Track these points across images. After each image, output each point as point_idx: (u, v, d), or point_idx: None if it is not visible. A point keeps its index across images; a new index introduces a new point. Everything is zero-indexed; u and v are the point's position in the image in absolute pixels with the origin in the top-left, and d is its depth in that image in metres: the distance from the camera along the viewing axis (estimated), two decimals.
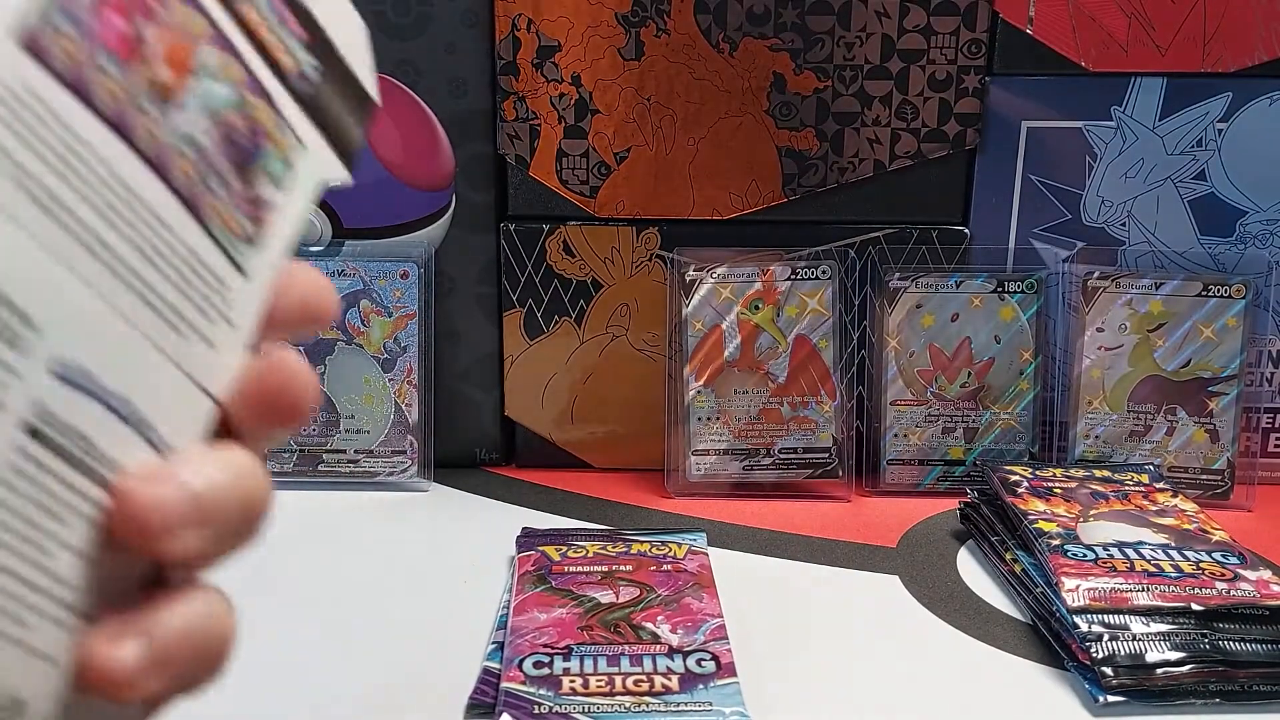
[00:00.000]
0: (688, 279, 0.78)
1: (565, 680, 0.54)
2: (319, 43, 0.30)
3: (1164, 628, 0.57)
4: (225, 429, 0.28)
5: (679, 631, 0.58)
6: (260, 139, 0.28)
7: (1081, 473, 0.73)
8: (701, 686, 0.53)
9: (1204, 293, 0.77)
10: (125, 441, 0.25)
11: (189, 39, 0.26)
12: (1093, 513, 0.68)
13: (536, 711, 0.52)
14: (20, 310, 0.22)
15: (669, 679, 0.54)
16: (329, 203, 0.79)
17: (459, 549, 0.71)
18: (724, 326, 0.78)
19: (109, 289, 0.24)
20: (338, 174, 0.31)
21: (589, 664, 0.55)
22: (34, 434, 0.23)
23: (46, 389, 0.23)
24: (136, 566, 0.25)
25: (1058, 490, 0.70)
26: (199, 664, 0.25)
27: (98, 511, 0.24)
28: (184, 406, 0.27)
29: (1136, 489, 0.71)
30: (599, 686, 0.53)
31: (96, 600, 0.24)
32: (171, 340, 0.26)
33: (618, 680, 0.54)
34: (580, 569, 0.64)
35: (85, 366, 0.24)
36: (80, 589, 0.24)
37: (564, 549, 0.66)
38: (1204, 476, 0.78)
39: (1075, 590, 0.59)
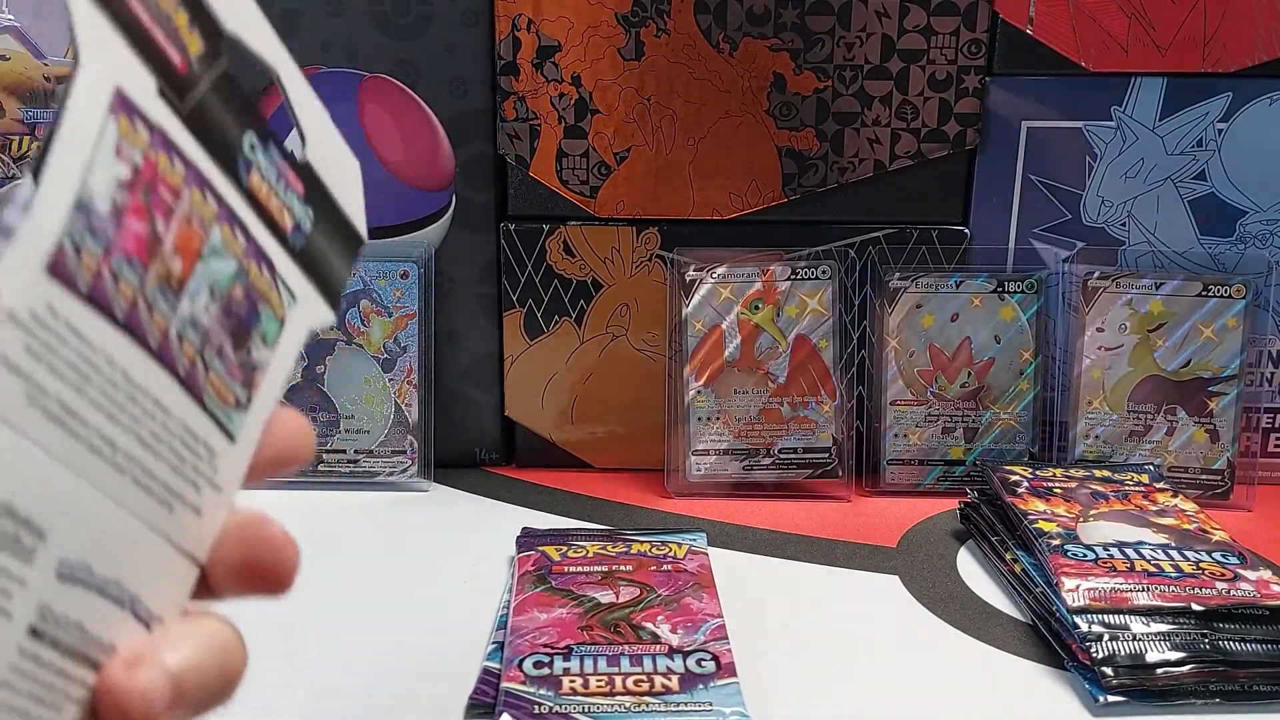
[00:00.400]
0: (688, 279, 0.78)
1: (565, 680, 0.54)
2: (314, 191, 0.31)
3: (1164, 628, 0.57)
4: (205, 582, 0.29)
5: (679, 631, 0.58)
6: (257, 304, 0.29)
7: (1081, 473, 0.73)
8: (701, 686, 0.53)
9: (1204, 293, 0.77)
10: (115, 621, 0.26)
11: (200, 224, 0.26)
12: (1093, 513, 0.68)
13: (536, 711, 0.52)
14: (28, 522, 0.23)
15: (669, 679, 0.54)
16: None
17: (459, 549, 0.71)
18: (724, 326, 0.78)
19: (110, 483, 0.25)
20: (325, 318, 0.32)
21: (589, 664, 0.55)
22: (35, 633, 0.23)
23: (50, 591, 0.24)
24: None
25: (1058, 490, 0.70)
26: None
27: (87, 693, 0.25)
28: (170, 575, 0.27)
29: (1136, 489, 0.71)
30: (599, 686, 0.53)
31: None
32: (162, 517, 0.27)
33: (618, 680, 0.54)
34: (580, 569, 0.64)
35: (85, 561, 0.24)
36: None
37: (564, 549, 0.66)
38: (1204, 476, 0.78)
39: (1075, 590, 0.59)
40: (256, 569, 0.29)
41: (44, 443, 0.23)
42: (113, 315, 0.24)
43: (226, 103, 0.27)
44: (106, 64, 0.24)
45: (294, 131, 0.31)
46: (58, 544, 0.24)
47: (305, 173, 0.31)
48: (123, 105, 0.24)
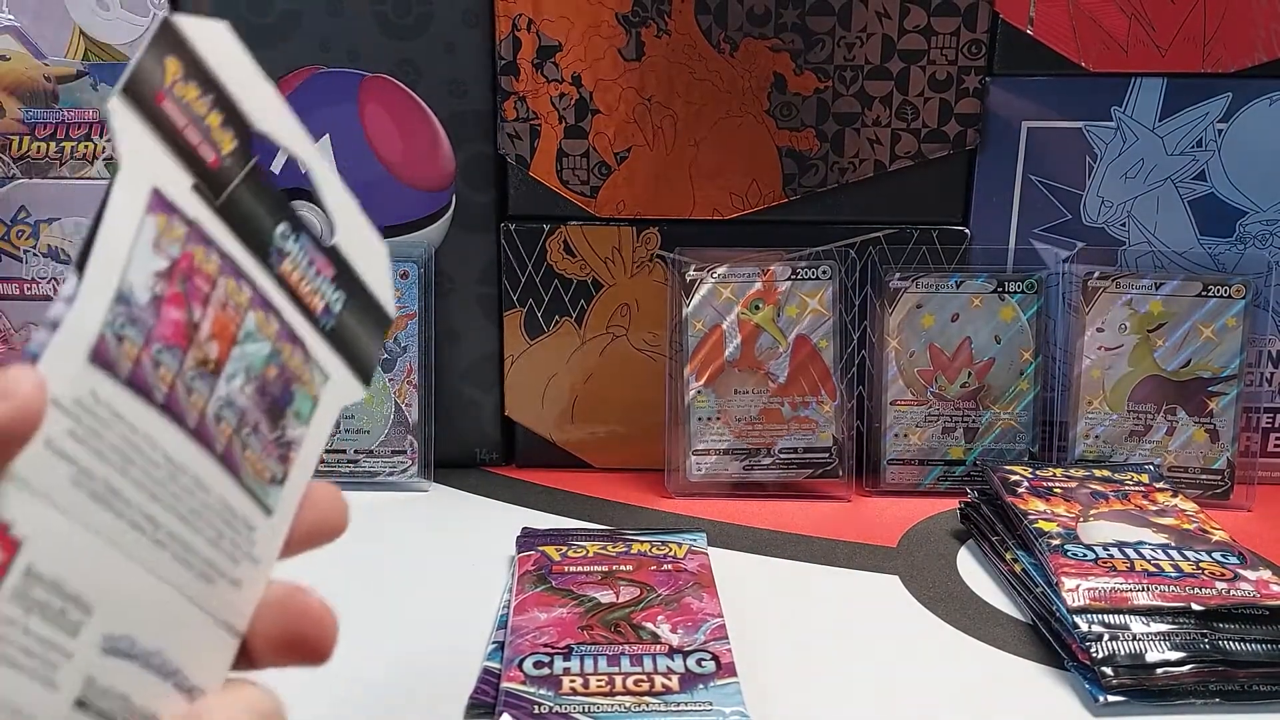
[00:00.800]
0: (688, 279, 0.78)
1: (565, 680, 0.54)
2: (343, 274, 0.32)
3: (1164, 628, 0.57)
4: (246, 652, 0.30)
5: (679, 631, 0.58)
6: (291, 384, 0.30)
7: (1081, 473, 0.73)
8: (701, 686, 0.53)
9: (1204, 293, 0.77)
10: (158, 692, 0.27)
11: (235, 311, 0.28)
12: (1093, 513, 0.68)
13: (536, 711, 0.52)
14: (76, 598, 0.24)
15: (669, 679, 0.54)
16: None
17: (459, 549, 0.71)
18: (724, 326, 0.78)
19: (153, 559, 0.26)
20: (356, 395, 0.33)
21: (589, 664, 0.55)
22: (81, 704, 0.24)
23: (95, 664, 0.25)
24: None
25: (1058, 490, 0.70)
26: None
27: None
28: (211, 647, 0.29)
29: (1136, 489, 0.71)
30: (599, 686, 0.53)
31: None
32: (203, 590, 0.28)
33: (618, 680, 0.54)
34: (580, 569, 0.64)
35: (129, 635, 0.26)
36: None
37: (564, 549, 0.66)
38: (1204, 476, 0.78)
39: (1075, 590, 0.59)
40: (297, 641, 0.30)
41: (89, 522, 0.24)
42: (153, 399, 0.26)
43: (258, 195, 0.29)
44: (143, 166, 0.25)
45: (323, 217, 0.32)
46: (103, 618, 0.25)
47: (334, 256, 0.32)
48: (160, 204, 0.26)
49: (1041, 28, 0.75)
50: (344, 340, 0.32)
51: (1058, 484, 0.71)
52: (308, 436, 0.31)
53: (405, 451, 0.79)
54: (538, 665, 0.55)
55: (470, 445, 0.84)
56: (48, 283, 0.80)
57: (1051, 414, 0.80)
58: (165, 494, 0.26)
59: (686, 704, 0.52)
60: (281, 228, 0.30)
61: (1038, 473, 0.73)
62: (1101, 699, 0.55)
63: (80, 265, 0.24)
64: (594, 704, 0.52)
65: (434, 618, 0.64)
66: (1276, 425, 0.82)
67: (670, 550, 0.66)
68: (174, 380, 0.26)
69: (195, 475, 0.27)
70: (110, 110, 0.25)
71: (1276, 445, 0.82)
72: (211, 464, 0.27)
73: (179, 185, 0.26)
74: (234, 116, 0.28)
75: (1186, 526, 0.66)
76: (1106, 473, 0.74)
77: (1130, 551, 0.63)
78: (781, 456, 0.79)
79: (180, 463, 0.26)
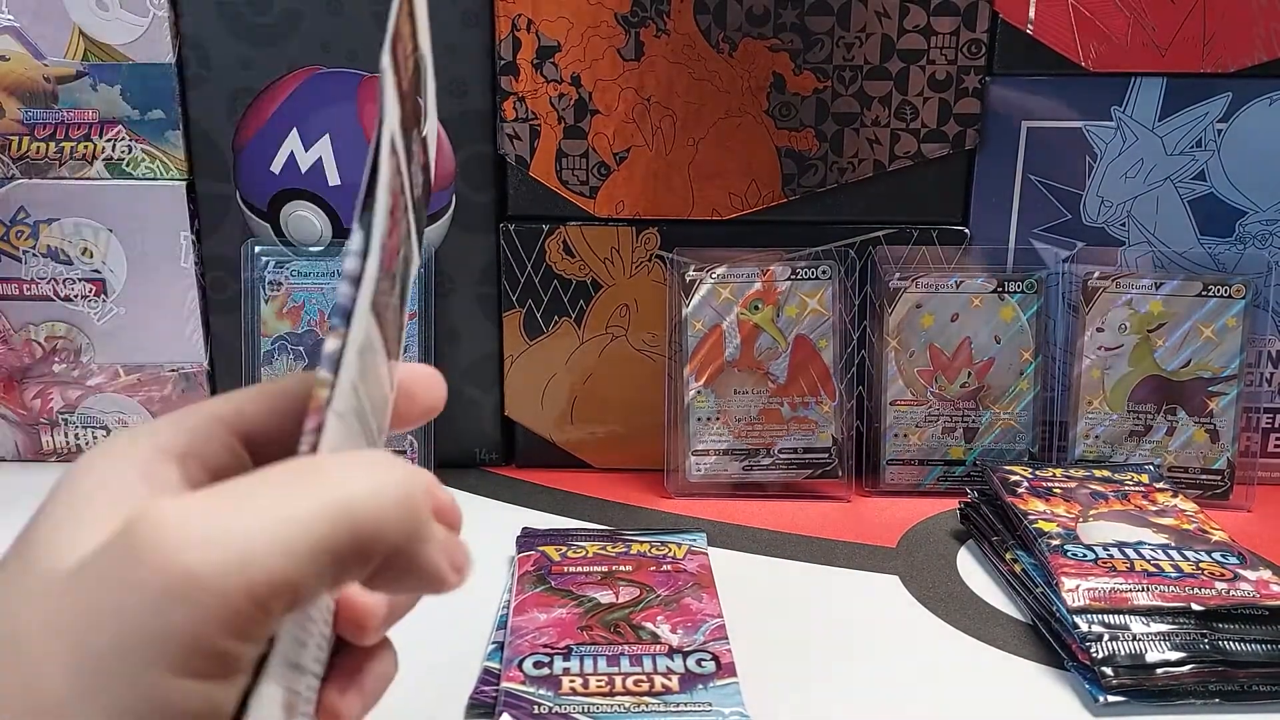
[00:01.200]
0: (688, 279, 0.78)
1: (565, 680, 0.54)
2: (428, 162, 0.35)
3: (1164, 628, 0.57)
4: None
5: (679, 631, 0.58)
6: (409, 269, 0.34)
7: (1081, 473, 0.73)
8: (701, 686, 0.53)
9: (1204, 293, 0.77)
10: None
11: (401, 219, 0.31)
12: (1093, 513, 0.68)
13: (536, 711, 0.52)
14: None
15: (669, 679, 0.54)
16: (329, 203, 0.79)
17: None
18: (724, 326, 0.78)
19: (361, 429, 0.31)
20: (418, 264, 0.37)
21: (589, 664, 0.55)
22: None
23: None
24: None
25: (1058, 490, 0.70)
26: (380, 695, 0.38)
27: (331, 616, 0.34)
28: None
29: (1136, 489, 0.71)
30: (599, 686, 0.53)
31: (325, 663, 0.34)
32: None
33: (618, 680, 0.54)
34: (580, 569, 0.64)
35: None
36: (321, 661, 0.33)
37: (564, 549, 0.66)
38: (1204, 476, 0.78)
39: (1075, 590, 0.59)
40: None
41: (352, 428, 0.30)
42: (379, 318, 0.30)
43: (413, 107, 0.32)
44: (392, 117, 0.29)
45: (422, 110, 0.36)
46: None
47: (425, 145, 0.35)
48: (396, 149, 0.29)
49: (1041, 27, 0.75)
50: (420, 219, 0.36)
51: (1058, 484, 0.71)
52: (406, 310, 0.35)
53: (405, 451, 0.79)
54: (537, 665, 0.55)
55: (470, 445, 0.84)
56: (47, 283, 0.80)
57: (1051, 414, 0.80)
58: (376, 395, 0.31)
59: (686, 704, 0.52)
60: (416, 131, 0.33)
61: (1038, 473, 0.73)
62: (1101, 699, 0.55)
63: (363, 224, 0.28)
64: (594, 704, 0.52)
65: (434, 618, 0.64)
66: (1276, 425, 0.82)
67: (670, 550, 0.66)
68: (384, 300, 0.30)
69: (379, 373, 0.31)
70: (383, 70, 0.28)
71: (1276, 445, 0.82)
72: (384, 357, 0.32)
73: (398, 129, 0.30)
74: (416, 48, 0.31)
75: (1186, 526, 0.66)
76: (1106, 473, 0.74)
77: (1130, 551, 0.63)
78: (781, 457, 0.79)
79: (378, 368, 0.31)
